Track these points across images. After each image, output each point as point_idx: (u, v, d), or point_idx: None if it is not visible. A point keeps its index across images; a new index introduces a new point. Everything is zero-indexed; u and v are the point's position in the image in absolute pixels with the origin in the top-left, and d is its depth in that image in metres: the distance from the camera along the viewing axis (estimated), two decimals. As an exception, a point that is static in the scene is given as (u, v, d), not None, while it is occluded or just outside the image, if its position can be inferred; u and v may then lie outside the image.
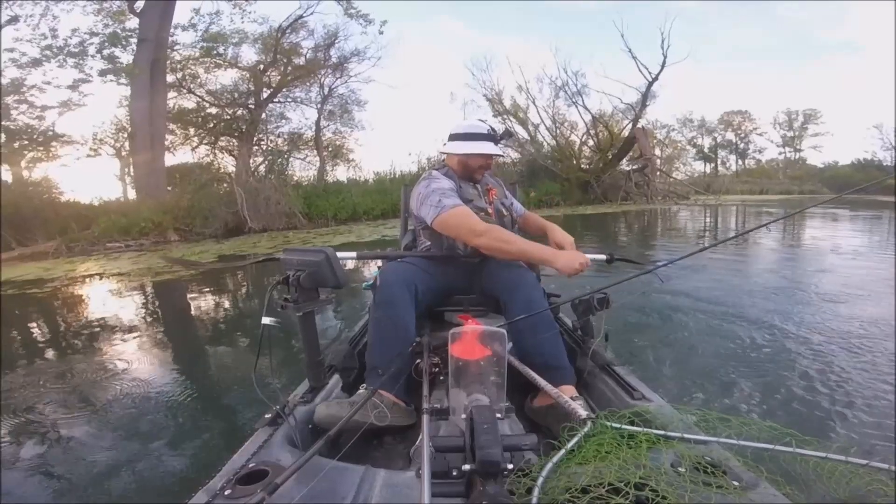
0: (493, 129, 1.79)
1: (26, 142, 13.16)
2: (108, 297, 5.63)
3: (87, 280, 6.79)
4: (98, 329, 3.69)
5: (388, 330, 1.48)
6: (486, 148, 1.76)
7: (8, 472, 1.68)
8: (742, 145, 47.31)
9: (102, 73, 13.34)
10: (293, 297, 1.28)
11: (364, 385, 1.44)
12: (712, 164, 46.45)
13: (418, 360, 1.41)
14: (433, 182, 1.75)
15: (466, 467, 0.83)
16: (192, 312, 4.37)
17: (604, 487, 0.76)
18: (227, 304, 4.48)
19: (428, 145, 25.85)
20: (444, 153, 1.89)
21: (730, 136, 46.90)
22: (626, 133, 21.38)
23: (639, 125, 20.95)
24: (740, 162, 47.83)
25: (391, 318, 1.49)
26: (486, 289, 1.73)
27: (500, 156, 1.87)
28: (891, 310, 3.69)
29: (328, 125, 20.88)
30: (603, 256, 1.94)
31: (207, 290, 5.18)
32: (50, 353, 3.18)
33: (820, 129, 45.98)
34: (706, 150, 45.94)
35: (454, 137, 1.81)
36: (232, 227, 12.62)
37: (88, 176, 32.97)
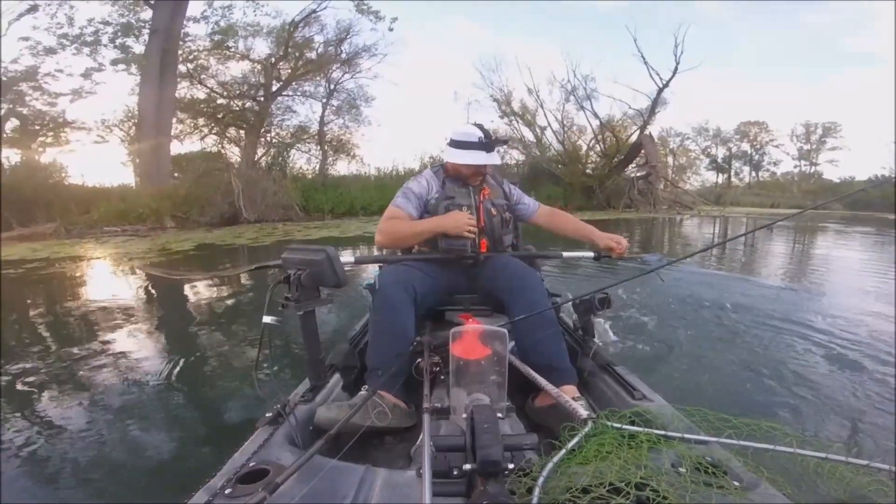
0: (486, 137, 1.77)
1: (37, 127, 13.45)
2: (88, 283, 5.63)
3: (63, 263, 6.78)
4: (75, 319, 3.68)
5: (387, 333, 1.48)
6: (475, 158, 1.77)
7: (7, 472, 1.67)
8: (757, 157, 46.47)
9: (114, 63, 13.70)
10: (294, 296, 1.28)
11: (365, 386, 1.44)
12: (725, 175, 46.01)
13: (419, 360, 1.41)
14: (411, 181, 1.87)
15: (467, 467, 0.83)
16: (189, 306, 4.33)
17: (604, 487, 0.76)
18: (225, 299, 4.46)
19: (433, 143, 25.91)
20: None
21: (745, 146, 46.07)
22: (633, 139, 21.34)
23: (647, 132, 20.88)
24: (754, 174, 47.14)
25: (390, 322, 1.49)
26: (488, 289, 1.73)
27: (493, 165, 1.85)
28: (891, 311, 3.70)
29: (334, 119, 20.93)
30: (590, 254, 1.95)
31: (204, 283, 5.10)
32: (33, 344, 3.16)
33: (838, 142, 44.18)
34: (720, 161, 45.43)
35: (451, 143, 1.82)
36: (228, 216, 12.76)
37: (100, 162, 33.18)
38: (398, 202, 1.80)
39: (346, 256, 1.61)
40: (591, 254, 1.99)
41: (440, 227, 1.72)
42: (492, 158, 1.79)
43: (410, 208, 1.78)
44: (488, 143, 1.77)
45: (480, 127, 1.80)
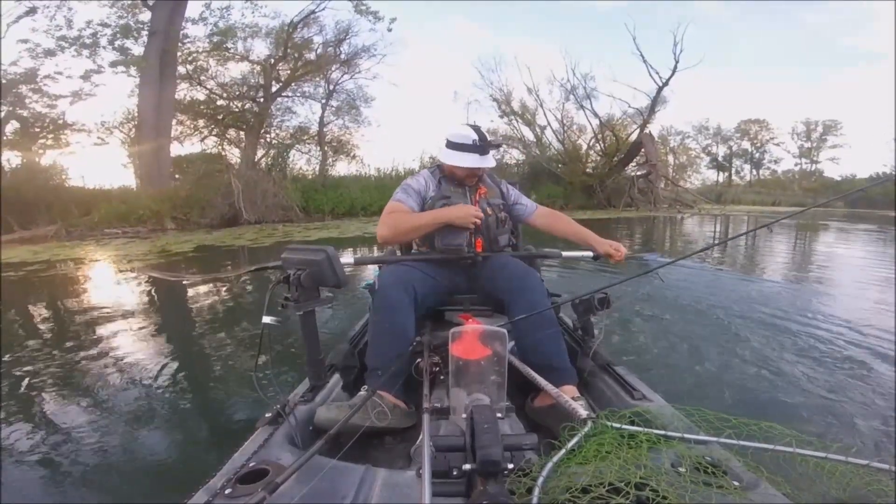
0: (481, 139, 1.76)
1: (37, 129, 13.51)
2: (88, 285, 5.60)
3: (63, 265, 6.78)
4: (76, 321, 3.65)
5: (387, 334, 1.48)
6: (468, 161, 1.77)
7: (7, 471, 1.67)
8: (757, 155, 46.38)
9: (113, 65, 13.72)
10: (294, 296, 1.28)
11: (365, 387, 1.44)
12: (726, 174, 45.92)
13: (419, 360, 1.41)
14: (408, 180, 1.87)
15: (467, 467, 0.83)
16: (189, 307, 4.33)
17: (604, 487, 0.76)
18: (225, 300, 4.46)
19: (433, 143, 25.95)
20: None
21: (745, 145, 45.99)
22: (633, 138, 21.29)
23: (647, 131, 20.80)
24: (755, 172, 47.04)
25: (389, 323, 1.49)
26: (488, 288, 1.73)
27: (486, 167, 1.83)
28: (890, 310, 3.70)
29: (334, 120, 20.91)
30: (589, 254, 1.95)
31: (204, 283, 5.07)
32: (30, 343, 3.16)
33: (839, 140, 44.17)
34: (720, 159, 45.30)
35: (446, 144, 1.82)
36: (229, 217, 12.79)
37: (100, 164, 33.35)
38: (398, 197, 1.79)
39: (347, 257, 1.61)
40: (591, 253, 1.98)
41: (446, 217, 1.69)
42: (486, 161, 1.79)
43: (411, 202, 1.78)
44: (482, 145, 1.76)
45: (477, 129, 1.79)
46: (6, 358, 2.82)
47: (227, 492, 0.85)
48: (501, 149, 22.72)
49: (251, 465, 0.95)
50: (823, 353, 2.75)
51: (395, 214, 1.75)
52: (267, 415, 1.18)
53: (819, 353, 2.75)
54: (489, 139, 1.79)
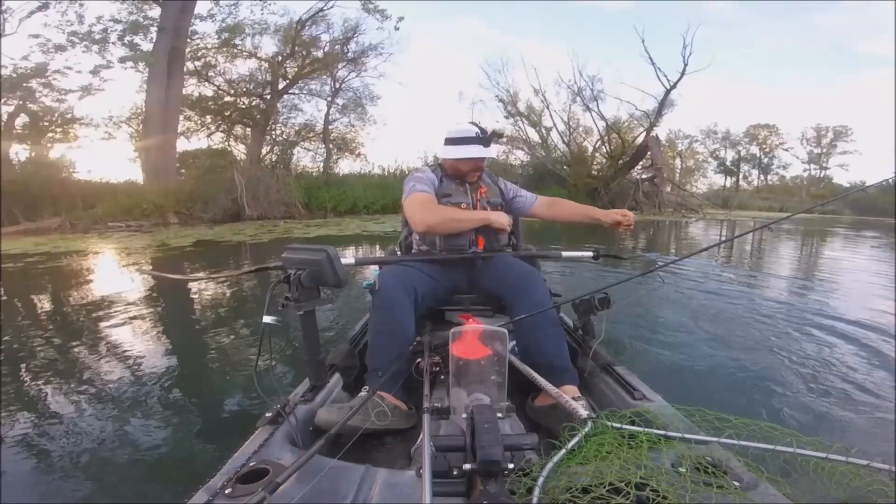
0: (482, 132, 1.78)
1: (46, 123, 13.73)
2: (87, 278, 5.61)
3: (63, 258, 6.81)
4: (72, 316, 3.66)
5: (387, 334, 1.48)
6: (472, 152, 1.78)
7: (7, 471, 1.67)
8: (766, 160, 46.21)
9: (122, 60, 13.87)
10: (294, 296, 1.28)
11: (365, 387, 1.44)
12: (734, 178, 45.76)
13: (419, 360, 1.41)
14: (415, 173, 1.87)
15: (467, 467, 0.83)
16: (189, 305, 4.33)
17: (604, 487, 0.76)
18: (225, 298, 4.45)
19: (436, 143, 25.78)
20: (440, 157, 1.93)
21: (754, 150, 45.89)
22: (639, 141, 21.17)
23: (653, 134, 20.68)
24: (762, 177, 46.90)
25: (390, 323, 1.49)
26: (490, 288, 1.73)
27: (489, 158, 1.85)
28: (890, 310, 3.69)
29: (340, 118, 20.99)
30: (589, 254, 1.94)
31: (204, 281, 5.05)
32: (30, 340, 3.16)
33: (849, 146, 44.19)
34: (728, 164, 45.11)
35: (447, 142, 1.83)
36: (232, 213, 12.92)
37: (109, 158, 34.35)
38: (420, 188, 1.78)
39: (347, 258, 1.61)
40: (591, 253, 1.98)
41: (485, 218, 1.74)
42: (489, 152, 1.80)
43: (432, 192, 1.79)
44: (485, 137, 1.78)
45: (475, 124, 1.81)
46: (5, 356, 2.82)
47: (227, 491, 0.86)
48: (504, 146, 22.64)
49: (251, 464, 0.95)
50: (824, 354, 2.74)
51: (439, 206, 1.75)
52: (267, 414, 1.18)
53: (820, 355, 2.74)
54: (490, 132, 1.80)
